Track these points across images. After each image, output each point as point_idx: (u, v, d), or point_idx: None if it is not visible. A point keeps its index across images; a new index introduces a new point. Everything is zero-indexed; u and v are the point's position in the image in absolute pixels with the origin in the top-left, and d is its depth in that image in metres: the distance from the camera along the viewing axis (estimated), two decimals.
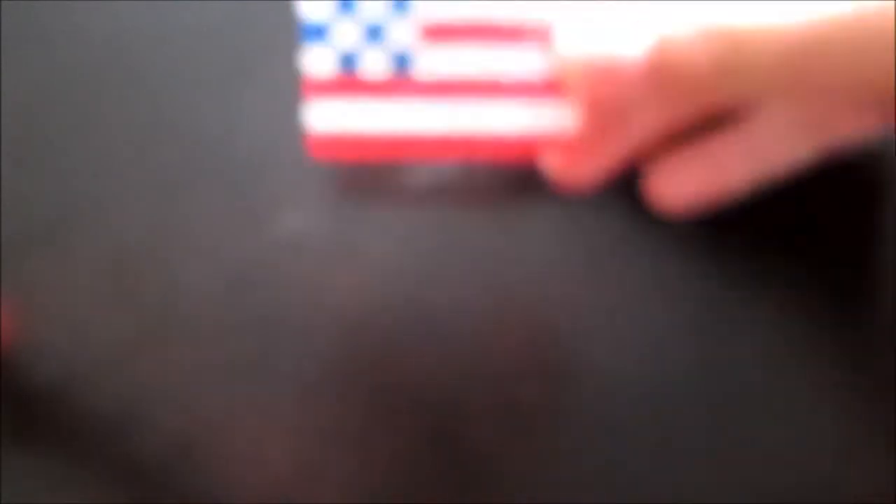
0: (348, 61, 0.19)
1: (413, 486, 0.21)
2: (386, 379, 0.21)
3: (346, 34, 0.19)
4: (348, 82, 0.19)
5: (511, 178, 0.22)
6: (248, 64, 0.22)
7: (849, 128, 0.18)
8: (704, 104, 0.19)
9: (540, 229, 0.21)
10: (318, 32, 0.19)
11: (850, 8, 0.15)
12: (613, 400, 0.21)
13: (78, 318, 0.21)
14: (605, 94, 0.18)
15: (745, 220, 0.20)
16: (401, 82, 0.19)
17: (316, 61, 0.19)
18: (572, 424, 0.21)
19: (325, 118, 0.19)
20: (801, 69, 0.16)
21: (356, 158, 0.19)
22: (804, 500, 0.21)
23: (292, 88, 0.22)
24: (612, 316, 0.21)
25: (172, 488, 0.21)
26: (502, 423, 0.21)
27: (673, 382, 0.21)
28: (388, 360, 0.21)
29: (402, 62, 0.19)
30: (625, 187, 0.20)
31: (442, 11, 0.19)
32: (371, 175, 0.22)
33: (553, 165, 0.20)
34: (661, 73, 0.17)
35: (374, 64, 0.19)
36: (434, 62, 0.19)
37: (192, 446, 0.21)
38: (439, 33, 0.19)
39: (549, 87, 0.19)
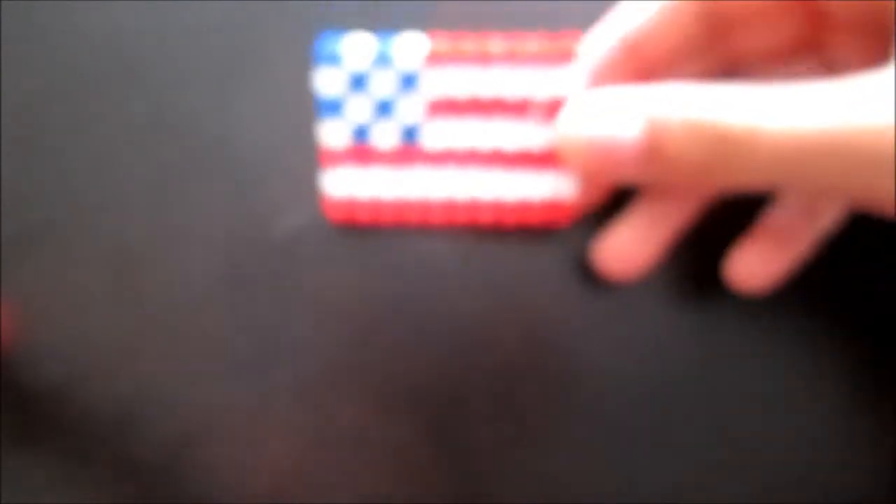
0: (361, 133, 0.20)
1: (413, 486, 0.21)
2: (386, 379, 0.21)
3: (358, 108, 0.20)
4: (361, 152, 0.20)
5: None
6: (248, 64, 0.22)
7: None
8: (714, 189, 0.19)
9: (540, 231, 0.21)
10: (333, 107, 0.20)
11: (843, 122, 0.14)
12: (613, 400, 0.21)
13: (78, 318, 0.21)
14: (601, 174, 0.18)
15: (745, 222, 0.20)
16: (409, 152, 0.20)
17: (331, 133, 0.20)
18: (572, 424, 0.21)
19: (341, 184, 0.20)
20: (793, 174, 0.15)
21: (369, 222, 0.21)
22: (804, 499, 0.21)
23: (292, 88, 0.22)
24: (612, 316, 0.21)
25: (172, 488, 0.21)
26: (502, 423, 0.21)
27: (673, 382, 0.21)
28: (388, 359, 0.21)
29: (410, 134, 0.20)
30: (625, 197, 0.20)
31: (446, 87, 0.20)
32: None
33: (600, 255, 0.20)
34: (655, 160, 0.17)
35: (385, 136, 0.20)
36: (440, 134, 0.20)
37: (191, 446, 0.21)
38: (444, 107, 0.20)
39: (549, 158, 0.20)
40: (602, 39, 0.19)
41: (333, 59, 0.20)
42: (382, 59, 0.20)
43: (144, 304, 0.21)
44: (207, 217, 0.21)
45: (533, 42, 0.19)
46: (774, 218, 0.20)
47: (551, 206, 0.20)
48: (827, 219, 0.19)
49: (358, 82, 0.20)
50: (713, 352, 0.21)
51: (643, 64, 0.19)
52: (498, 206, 0.20)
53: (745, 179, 0.16)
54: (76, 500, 0.21)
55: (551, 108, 0.19)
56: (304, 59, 0.21)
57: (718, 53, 0.19)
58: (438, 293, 0.21)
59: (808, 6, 0.18)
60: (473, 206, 0.20)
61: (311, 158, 0.21)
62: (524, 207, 0.20)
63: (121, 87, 0.22)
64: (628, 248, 0.20)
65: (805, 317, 0.21)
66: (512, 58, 0.19)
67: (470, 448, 0.21)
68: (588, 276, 0.21)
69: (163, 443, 0.21)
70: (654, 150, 0.16)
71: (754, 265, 0.20)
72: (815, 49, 0.19)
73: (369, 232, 0.21)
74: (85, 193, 0.21)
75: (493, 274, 0.21)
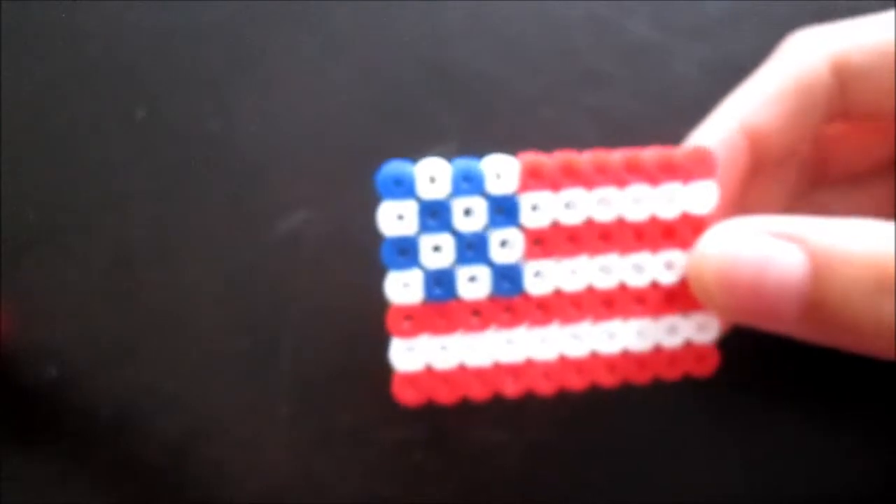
0: (441, 283, 0.16)
1: (412, 487, 0.21)
2: (385, 379, 0.21)
3: (436, 250, 0.15)
4: (442, 310, 0.16)
5: None
6: (247, 64, 0.22)
7: None
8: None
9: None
10: (402, 251, 0.16)
11: None
12: (614, 399, 0.21)
13: (78, 317, 0.21)
14: (745, 307, 0.14)
15: None
16: (508, 303, 0.16)
17: (400, 287, 0.16)
18: (571, 427, 0.21)
19: (414, 356, 0.16)
20: None
21: (455, 402, 0.16)
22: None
23: (292, 87, 0.22)
24: None
25: (172, 488, 0.21)
26: (502, 423, 0.21)
27: (675, 387, 0.21)
28: (388, 360, 0.21)
29: (509, 278, 0.16)
30: None
31: (554, 213, 0.16)
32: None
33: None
34: (818, 313, 0.13)
35: (474, 283, 0.16)
36: (547, 274, 0.16)
37: (191, 446, 0.21)
38: (551, 240, 0.16)
39: (685, 293, 0.16)
40: (721, 123, 0.17)
41: (402, 189, 0.15)
42: (467, 183, 0.15)
43: (144, 304, 0.21)
44: (207, 217, 0.21)
45: (658, 152, 0.16)
46: None
47: (692, 352, 0.16)
48: None
49: (435, 215, 0.15)
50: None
51: (757, 155, 0.17)
52: (625, 361, 0.16)
53: None
54: (76, 500, 0.21)
55: (689, 232, 0.16)
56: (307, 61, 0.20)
57: (814, 158, 0.18)
58: None
59: None
60: (593, 364, 0.16)
61: (311, 158, 0.21)
62: (659, 358, 0.16)
63: (121, 87, 0.22)
64: None
65: None
66: (633, 171, 0.16)
67: (469, 449, 0.21)
68: None
69: (163, 442, 0.21)
70: (819, 299, 0.13)
71: None
72: None
73: (369, 232, 0.21)
74: (85, 193, 0.21)
75: None
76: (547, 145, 0.17)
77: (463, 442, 0.21)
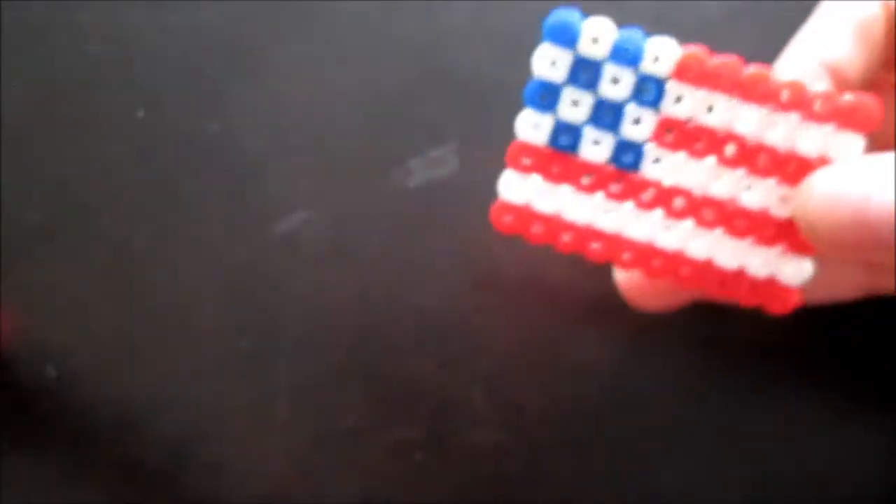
0: (568, 135, 0.16)
1: (412, 486, 0.21)
2: (385, 379, 0.21)
3: (574, 104, 0.16)
4: (562, 160, 0.16)
5: None
6: (247, 63, 0.22)
7: None
8: None
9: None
10: (544, 93, 0.16)
11: None
12: (613, 399, 0.21)
13: (78, 318, 0.21)
14: (847, 250, 0.15)
15: None
16: (622, 176, 0.16)
17: (531, 125, 0.16)
18: (572, 425, 0.21)
19: (522, 190, 0.17)
20: None
21: (543, 241, 0.17)
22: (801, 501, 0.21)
23: (292, 88, 0.22)
24: (611, 318, 0.21)
25: (171, 488, 0.21)
26: (502, 423, 0.21)
27: (674, 382, 0.21)
28: (387, 359, 0.21)
29: (630, 154, 0.16)
30: None
31: (698, 110, 0.16)
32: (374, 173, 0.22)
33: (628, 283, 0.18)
34: None
35: (597, 147, 0.16)
36: (669, 165, 0.16)
37: (191, 446, 0.21)
38: (685, 135, 0.16)
39: (792, 231, 0.16)
40: (801, 61, 0.17)
41: (564, 38, 0.16)
42: (623, 55, 0.16)
43: (144, 304, 0.21)
44: (207, 217, 0.21)
45: (827, 93, 0.15)
46: None
47: (773, 288, 0.16)
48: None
49: (585, 72, 0.16)
50: (713, 352, 0.21)
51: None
52: (706, 269, 0.16)
53: None
54: (76, 500, 0.21)
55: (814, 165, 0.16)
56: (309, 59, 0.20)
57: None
58: (437, 293, 0.21)
59: None
60: (675, 260, 0.16)
61: (311, 158, 0.21)
62: (739, 281, 0.16)
63: (121, 87, 0.22)
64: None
65: (805, 316, 0.21)
66: (794, 104, 0.16)
67: (469, 449, 0.21)
68: (588, 273, 0.21)
69: (163, 443, 0.21)
70: None
71: None
72: None
73: (369, 232, 0.21)
74: (85, 194, 0.21)
75: (493, 274, 0.21)
76: None
77: (463, 442, 0.21)
